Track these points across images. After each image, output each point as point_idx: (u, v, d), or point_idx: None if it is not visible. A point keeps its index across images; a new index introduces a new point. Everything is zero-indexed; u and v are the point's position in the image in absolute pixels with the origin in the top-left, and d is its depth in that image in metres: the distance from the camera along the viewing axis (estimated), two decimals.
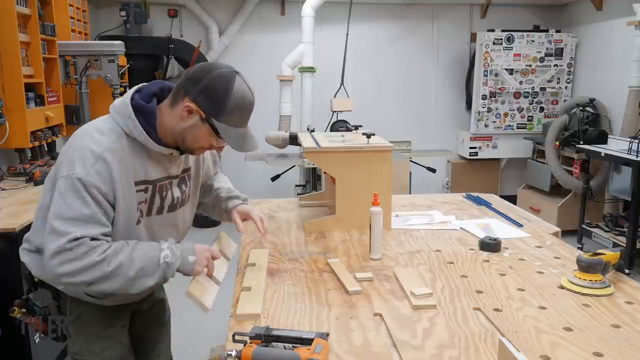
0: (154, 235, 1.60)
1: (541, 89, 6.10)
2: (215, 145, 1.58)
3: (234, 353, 1.21)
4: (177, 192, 1.66)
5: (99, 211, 1.41)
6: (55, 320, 1.62)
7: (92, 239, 1.39)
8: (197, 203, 1.86)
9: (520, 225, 2.39)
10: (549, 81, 6.09)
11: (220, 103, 1.48)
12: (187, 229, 1.80)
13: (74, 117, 4.28)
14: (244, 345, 1.25)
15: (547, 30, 6.03)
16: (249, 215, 1.89)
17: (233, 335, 1.29)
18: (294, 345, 1.25)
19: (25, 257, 1.64)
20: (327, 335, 1.31)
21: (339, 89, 5.12)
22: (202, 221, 5.89)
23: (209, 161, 1.91)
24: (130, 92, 1.54)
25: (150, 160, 1.54)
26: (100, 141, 1.45)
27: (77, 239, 1.36)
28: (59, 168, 1.45)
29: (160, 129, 1.53)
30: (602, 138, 5.02)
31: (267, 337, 1.27)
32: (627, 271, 3.80)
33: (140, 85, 1.59)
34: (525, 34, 5.96)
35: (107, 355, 1.67)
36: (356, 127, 3.45)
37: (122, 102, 1.51)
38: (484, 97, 6.05)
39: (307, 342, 1.24)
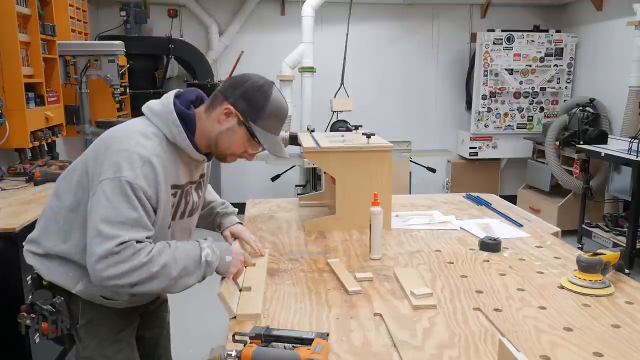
0: (174, 239, 1.59)
1: (541, 89, 6.10)
2: (249, 152, 1.62)
3: (234, 353, 1.21)
4: (195, 197, 1.69)
5: (145, 215, 1.41)
6: (56, 321, 1.59)
7: (138, 241, 1.38)
8: None
9: (520, 225, 2.39)
10: (549, 81, 6.09)
11: (260, 107, 1.54)
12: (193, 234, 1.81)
13: (74, 117, 4.28)
14: (244, 345, 1.25)
15: (547, 30, 6.02)
16: (241, 237, 1.94)
17: (233, 335, 1.29)
18: (294, 345, 1.25)
19: (31, 259, 1.61)
20: (327, 335, 1.31)
21: (339, 89, 5.12)
22: None
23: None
24: (170, 97, 1.56)
25: (181, 165, 1.57)
26: (146, 145, 1.45)
27: (124, 242, 1.36)
28: (100, 171, 1.42)
29: (196, 135, 1.57)
30: (602, 138, 5.03)
31: (267, 337, 1.27)
32: (627, 271, 3.80)
33: (177, 90, 1.62)
34: (525, 34, 5.96)
35: (120, 358, 1.67)
36: (356, 127, 3.45)
37: (165, 108, 1.53)
38: (484, 97, 6.05)
39: (307, 342, 1.24)
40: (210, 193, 2.01)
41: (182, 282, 1.45)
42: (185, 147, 1.53)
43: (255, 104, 1.54)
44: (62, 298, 1.58)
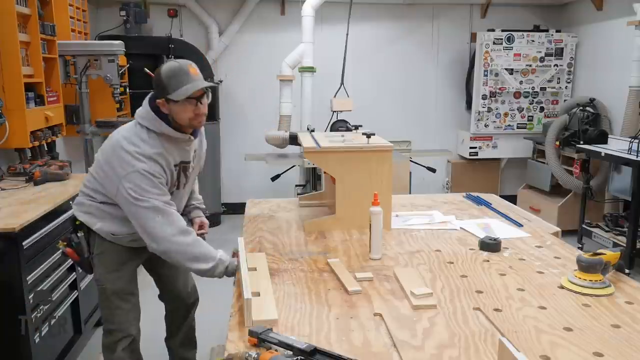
0: (178, 203, 2.12)
1: (541, 88, 6.10)
2: (194, 113, 1.96)
3: (254, 355, 1.21)
4: (190, 168, 2.14)
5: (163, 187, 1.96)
6: (77, 248, 2.14)
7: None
8: None
9: (520, 225, 2.39)
10: (549, 81, 6.09)
11: (160, 83, 1.93)
12: None
13: (74, 117, 4.28)
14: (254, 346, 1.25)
15: (547, 30, 6.02)
16: (204, 226, 2.37)
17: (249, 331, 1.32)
18: (301, 358, 1.22)
19: (76, 205, 2.17)
20: (315, 349, 1.25)
21: (339, 89, 5.11)
22: None
23: (203, 154, 2.32)
24: (146, 100, 2.01)
25: (175, 148, 2.01)
26: (144, 147, 1.93)
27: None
28: (116, 172, 1.91)
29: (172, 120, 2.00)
30: (602, 138, 5.02)
31: (260, 340, 1.28)
32: (627, 271, 3.79)
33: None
34: (525, 33, 5.95)
35: (118, 284, 2.14)
36: (356, 127, 3.45)
37: (146, 109, 1.99)
38: (484, 97, 6.05)
39: (296, 351, 1.23)
40: (195, 183, 2.42)
41: (195, 265, 1.90)
42: (171, 133, 1.97)
43: (158, 85, 1.93)
44: (83, 234, 2.12)
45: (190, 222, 2.37)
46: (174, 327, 2.50)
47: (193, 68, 1.95)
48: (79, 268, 2.35)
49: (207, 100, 2.01)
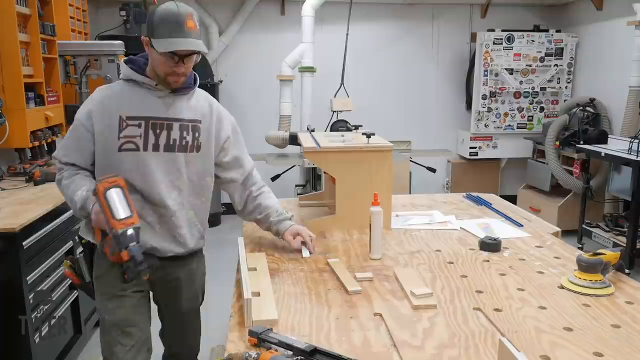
0: (152, 170, 1.81)
1: (541, 88, 6.10)
2: (174, 67, 1.77)
3: (254, 355, 1.21)
4: (176, 134, 1.84)
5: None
6: (76, 270, 1.97)
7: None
8: (247, 213, 2.10)
9: (520, 225, 2.39)
10: (549, 81, 6.09)
11: (150, 23, 1.76)
12: (200, 186, 1.94)
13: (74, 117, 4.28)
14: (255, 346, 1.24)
15: (547, 30, 6.02)
16: (300, 234, 2.04)
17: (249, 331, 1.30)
18: (301, 357, 1.22)
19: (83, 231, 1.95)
20: (315, 349, 1.25)
21: (339, 88, 5.12)
22: None
23: (229, 144, 2.00)
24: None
25: (148, 98, 1.83)
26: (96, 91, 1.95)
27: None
28: None
29: (147, 70, 1.86)
30: (602, 138, 5.02)
31: (261, 340, 1.27)
32: (627, 271, 3.78)
33: None
34: (525, 33, 5.96)
35: (119, 314, 1.85)
36: (356, 127, 3.45)
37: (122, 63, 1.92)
38: (484, 97, 6.05)
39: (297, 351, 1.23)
40: (268, 198, 2.10)
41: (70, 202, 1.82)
42: (133, 76, 1.84)
43: (148, 23, 1.77)
44: (82, 256, 1.94)
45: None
46: None
47: (192, 21, 1.73)
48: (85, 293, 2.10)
49: (192, 62, 1.81)
